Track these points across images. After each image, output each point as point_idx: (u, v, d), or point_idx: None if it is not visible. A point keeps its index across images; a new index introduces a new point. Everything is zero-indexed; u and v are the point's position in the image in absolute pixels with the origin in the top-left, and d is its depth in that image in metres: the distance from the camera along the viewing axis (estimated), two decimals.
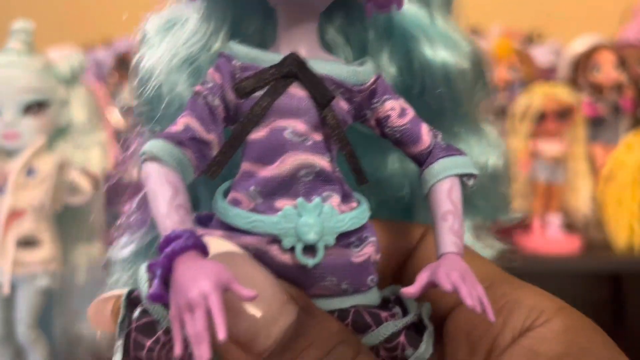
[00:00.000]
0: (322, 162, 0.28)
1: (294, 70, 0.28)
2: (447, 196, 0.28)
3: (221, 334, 0.21)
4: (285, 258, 0.27)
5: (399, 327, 0.28)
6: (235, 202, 0.27)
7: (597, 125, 1.18)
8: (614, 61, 1.18)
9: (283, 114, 0.28)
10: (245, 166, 0.28)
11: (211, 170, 0.27)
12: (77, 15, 1.84)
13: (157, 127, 0.31)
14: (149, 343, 0.26)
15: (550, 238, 1.07)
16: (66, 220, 0.81)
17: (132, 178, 0.34)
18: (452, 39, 0.32)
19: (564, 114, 1.07)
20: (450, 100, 0.32)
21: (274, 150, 0.27)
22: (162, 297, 0.23)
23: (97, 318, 0.32)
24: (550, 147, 1.09)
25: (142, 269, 0.28)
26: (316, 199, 0.27)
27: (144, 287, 0.27)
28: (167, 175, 0.26)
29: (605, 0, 1.57)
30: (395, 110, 0.29)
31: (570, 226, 1.10)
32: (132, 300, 0.28)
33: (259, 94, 0.28)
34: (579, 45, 1.22)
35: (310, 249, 0.27)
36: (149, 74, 0.31)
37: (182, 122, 0.28)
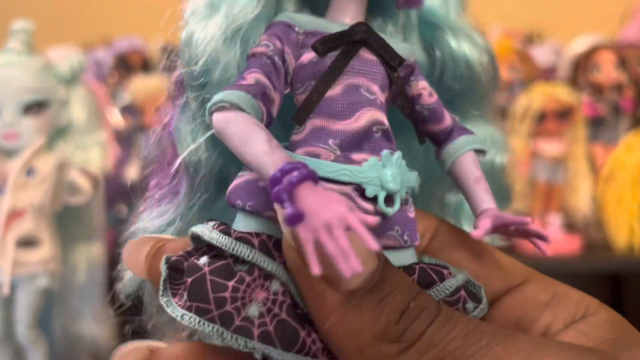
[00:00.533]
0: (386, 121, 0.30)
1: (365, 37, 0.29)
2: (474, 164, 0.32)
3: (374, 245, 0.22)
4: (367, 206, 0.28)
5: (461, 282, 0.30)
6: (313, 155, 0.28)
7: (597, 125, 1.18)
8: (614, 61, 1.18)
9: (356, 74, 0.29)
10: (316, 122, 0.29)
11: (299, 116, 0.29)
12: (77, 15, 1.84)
13: (208, 95, 0.32)
14: (231, 283, 0.26)
15: (550, 238, 1.07)
16: (66, 220, 0.81)
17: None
18: (470, 32, 0.34)
19: (564, 114, 1.07)
20: (468, 90, 0.34)
21: (351, 105, 0.29)
22: (301, 216, 0.22)
23: (131, 260, 0.32)
24: (550, 147, 1.09)
25: (199, 227, 0.29)
26: (397, 153, 0.29)
27: (213, 234, 0.27)
28: (254, 120, 0.27)
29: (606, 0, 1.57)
30: (426, 89, 0.32)
31: (570, 226, 1.10)
32: (172, 264, 0.29)
33: (333, 54, 0.29)
34: (579, 45, 1.22)
35: (388, 199, 0.28)
36: (202, 44, 0.31)
37: (253, 77, 0.28)
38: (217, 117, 0.27)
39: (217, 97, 0.27)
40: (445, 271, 0.30)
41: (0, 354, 0.76)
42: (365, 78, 0.30)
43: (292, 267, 0.26)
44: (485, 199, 0.31)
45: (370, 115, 0.29)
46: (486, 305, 0.30)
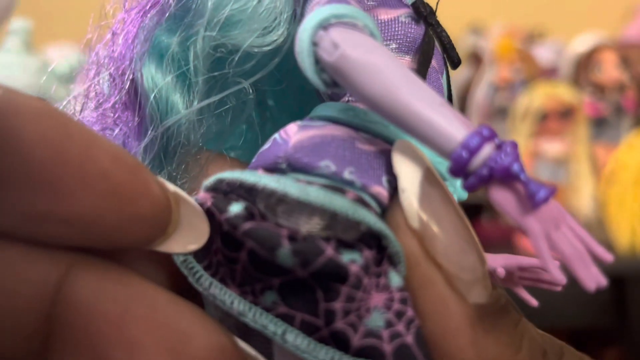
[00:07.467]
0: None
1: (434, 21, 0.24)
2: None
3: (607, 256, 0.18)
4: None
5: None
6: None
7: (599, 125, 1.17)
8: (616, 60, 1.17)
9: (434, 58, 0.24)
10: None
11: None
12: (76, 15, 1.84)
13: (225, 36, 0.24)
14: (345, 288, 0.17)
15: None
16: None
17: None
18: None
19: (565, 113, 1.07)
20: None
21: None
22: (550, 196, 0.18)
23: None
24: (552, 147, 1.08)
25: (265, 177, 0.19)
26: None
27: (315, 192, 0.18)
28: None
29: None
30: None
31: None
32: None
33: (415, 25, 0.23)
34: (580, 44, 1.21)
35: None
36: None
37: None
38: (348, 36, 0.18)
39: (336, 10, 0.19)
40: None
41: None
42: (438, 66, 0.23)
43: (409, 259, 0.19)
44: None
45: None
46: None
